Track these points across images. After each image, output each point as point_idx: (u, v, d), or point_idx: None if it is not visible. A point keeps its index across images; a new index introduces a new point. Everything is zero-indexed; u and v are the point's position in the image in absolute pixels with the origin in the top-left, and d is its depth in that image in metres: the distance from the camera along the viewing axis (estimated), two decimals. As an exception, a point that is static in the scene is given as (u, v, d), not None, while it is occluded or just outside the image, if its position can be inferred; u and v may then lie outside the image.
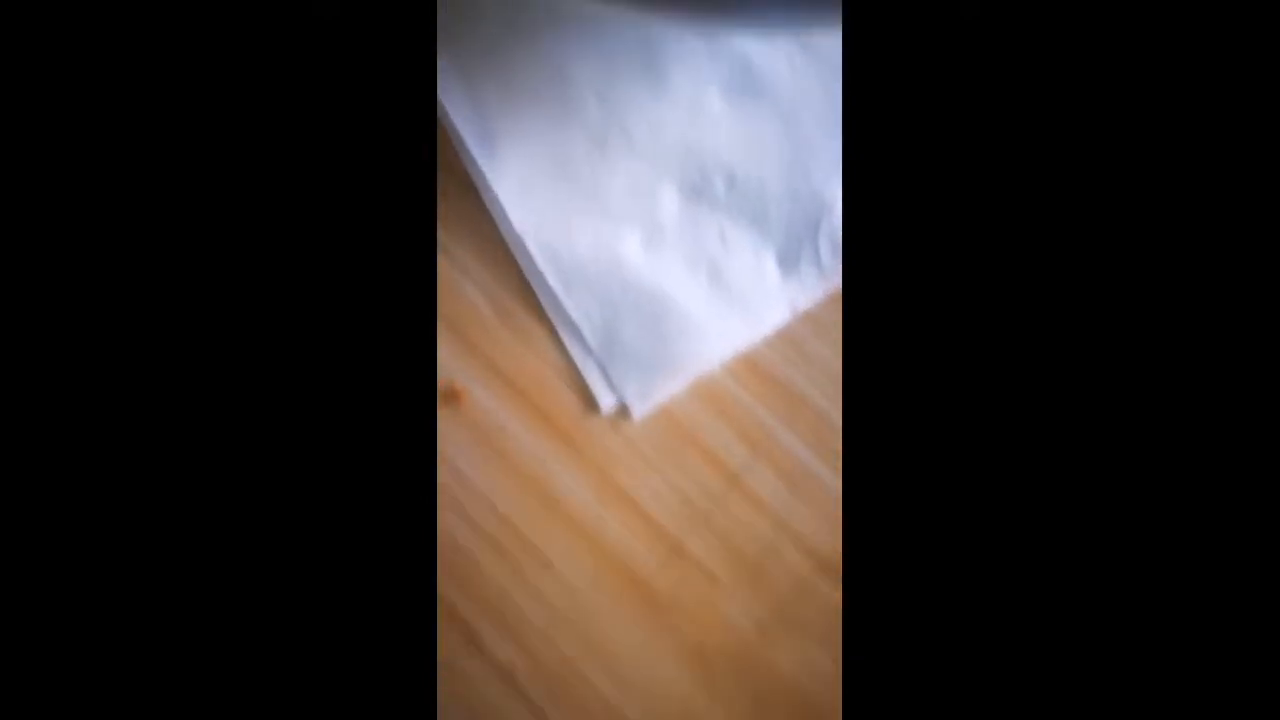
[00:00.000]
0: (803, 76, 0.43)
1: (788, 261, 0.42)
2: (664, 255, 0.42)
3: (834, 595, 0.39)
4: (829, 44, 0.44)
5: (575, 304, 0.42)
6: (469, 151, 0.43)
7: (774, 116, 0.43)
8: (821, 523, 0.40)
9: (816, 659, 0.38)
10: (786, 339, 0.42)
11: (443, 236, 0.43)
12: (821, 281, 0.42)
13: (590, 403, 0.41)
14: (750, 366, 0.42)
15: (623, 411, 0.41)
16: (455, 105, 0.43)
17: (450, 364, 0.42)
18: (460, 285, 0.43)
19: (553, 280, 0.42)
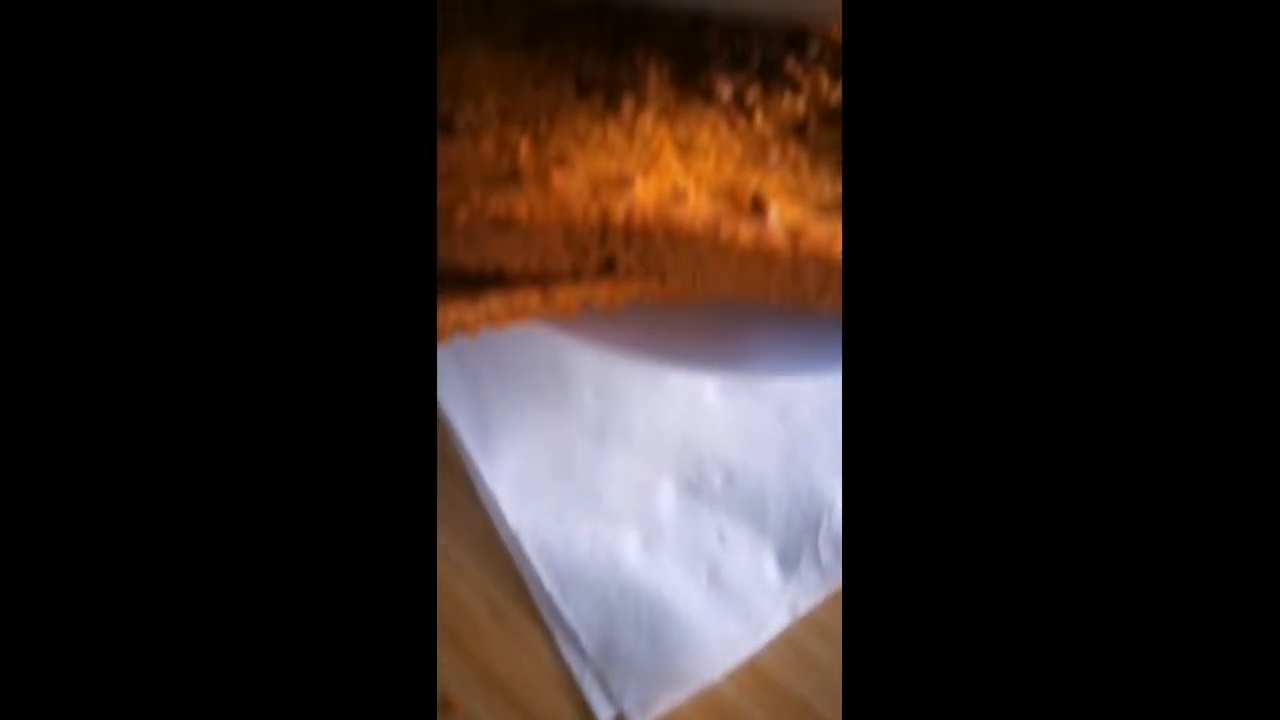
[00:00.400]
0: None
1: (788, 561, 0.42)
2: (662, 557, 0.42)
3: None
4: (823, 333, 0.44)
5: (572, 609, 0.41)
6: (465, 447, 0.43)
7: (771, 410, 0.43)
8: None
9: None
10: (788, 643, 0.41)
11: (439, 534, 0.43)
12: (823, 583, 0.41)
13: (588, 713, 0.40)
14: (752, 673, 0.41)
15: (621, 722, 0.40)
16: (453, 398, 0.44)
17: (444, 671, 0.41)
18: (455, 585, 0.43)
19: (549, 583, 0.41)
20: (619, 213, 0.28)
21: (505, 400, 0.44)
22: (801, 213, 0.29)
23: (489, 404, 0.44)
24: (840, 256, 0.28)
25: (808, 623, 0.42)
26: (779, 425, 0.44)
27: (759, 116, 0.32)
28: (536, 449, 0.44)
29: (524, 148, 0.30)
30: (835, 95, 0.32)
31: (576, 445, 0.44)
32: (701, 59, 0.33)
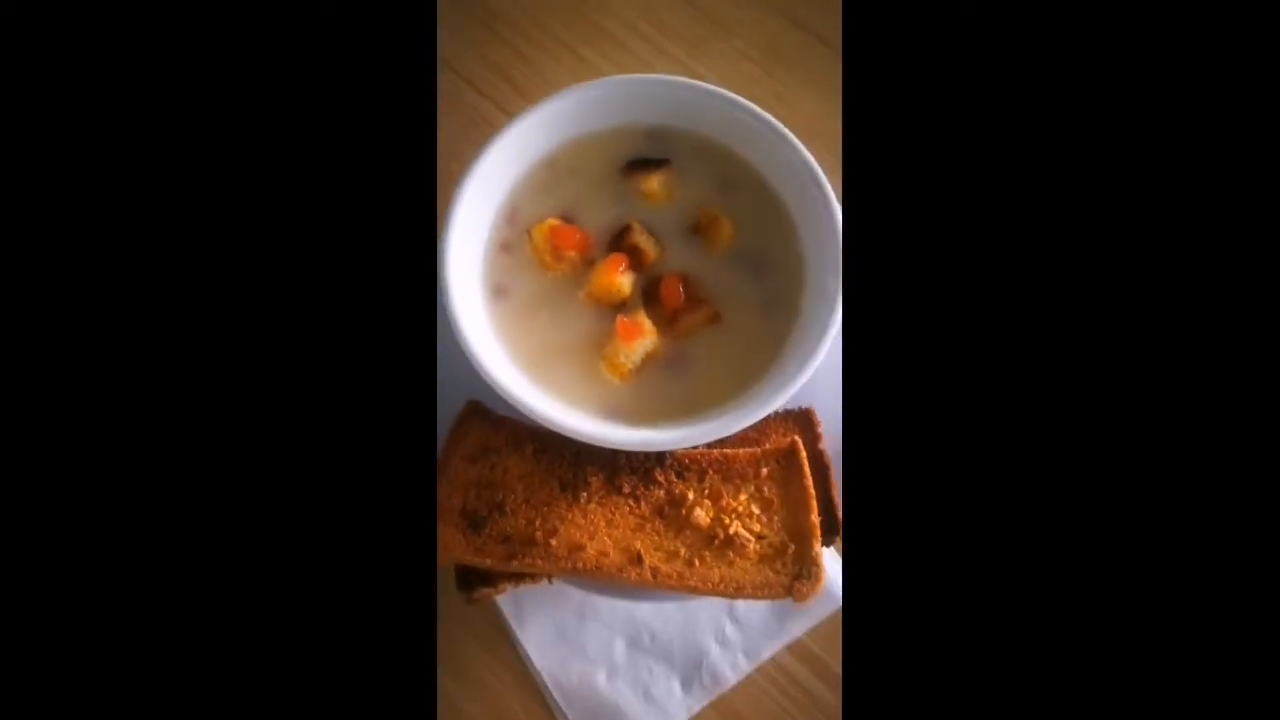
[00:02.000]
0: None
1: (686, 684, 0.81)
2: (619, 683, 0.81)
3: None
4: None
5: (572, 712, 0.81)
6: (509, 624, 0.83)
7: (673, 605, 0.83)
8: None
9: None
10: None
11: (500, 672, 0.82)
12: (704, 696, 0.80)
13: (583, 770, 0.79)
14: None
15: (601, 775, 0.79)
16: (506, 599, 0.83)
17: None
18: (505, 699, 0.82)
19: (558, 698, 0.81)
20: (580, 564, 0.68)
21: (529, 597, 0.83)
22: (660, 560, 0.69)
23: (520, 600, 0.83)
24: (679, 582, 0.67)
25: (702, 714, 0.81)
26: (678, 609, 0.83)
27: (642, 503, 0.71)
28: (547, 623, 0.83)
29: (537, 524, 0.70)
30: (677, 488, 0.71)
31: (568, 621, 0.83)
32: (617, 468, 0.73)
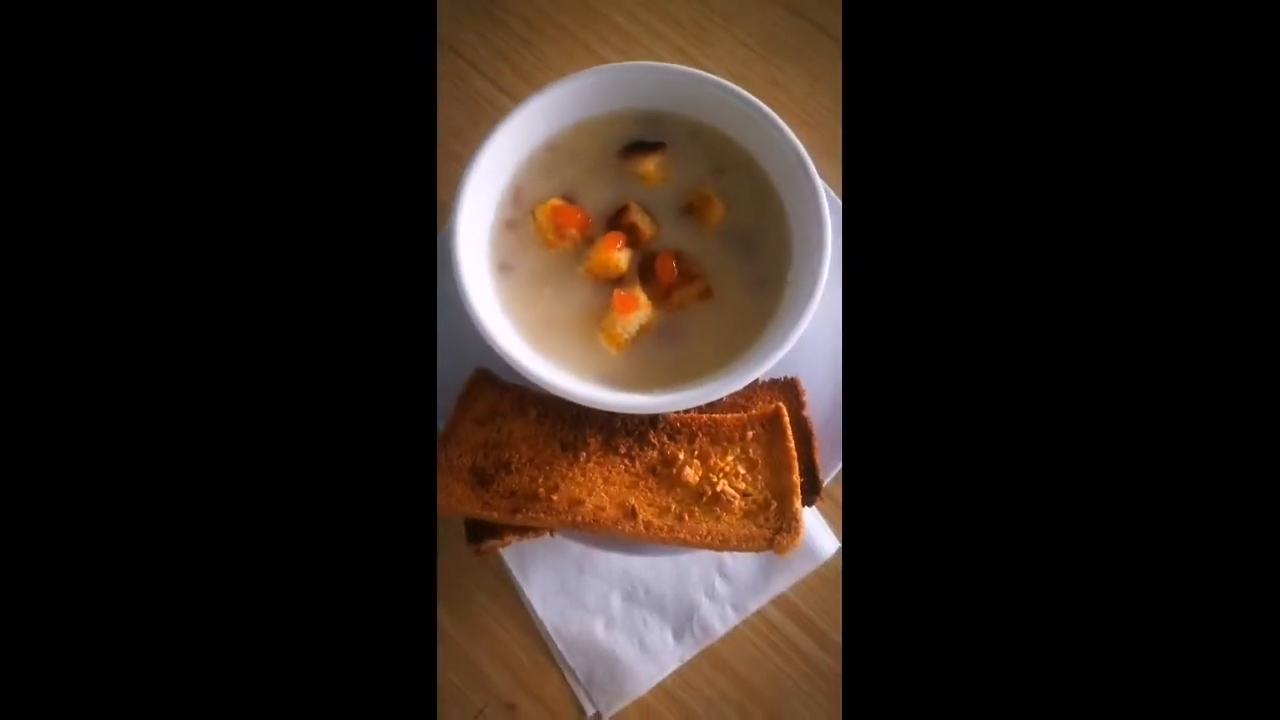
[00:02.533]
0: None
1: (678, 634, 0.88)
2: (615, 633, 0.88)
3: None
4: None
5: (572, 660, 0.88)
6: (514, 577, 0.89)
7: (665, 559, 0.89)
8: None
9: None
10: (688, 669, 0.87)
11: (508, 630, 0.89)
12: (695, 646, 0.87)
13: (581, 711, 0.86)
14: (663, 690, 0.87)
15: (598, 717, 0.86)
16: (509, 553, 0.90)
17: (506, 692, 0.87)
18: (511, 646, 0.89)
19: (561, 646, 0.88)
20: (579, 518, 0.75)
21: (533, 551, 0.90)
22: (653, 514, 0.76)
23: (524, 553, 0.90)
24: (669, 535, 0.74)
25: (693, 663, 0.88)
26: (670, 564, 0.90)
27: (637, 463, 0.78)
28: (550, 576, 0.90)
29: (540, 482, 0.77)
30: (669, 449, 0.78)
31: (570, 574, 0.89)
32: (614, 431, 0.79)
